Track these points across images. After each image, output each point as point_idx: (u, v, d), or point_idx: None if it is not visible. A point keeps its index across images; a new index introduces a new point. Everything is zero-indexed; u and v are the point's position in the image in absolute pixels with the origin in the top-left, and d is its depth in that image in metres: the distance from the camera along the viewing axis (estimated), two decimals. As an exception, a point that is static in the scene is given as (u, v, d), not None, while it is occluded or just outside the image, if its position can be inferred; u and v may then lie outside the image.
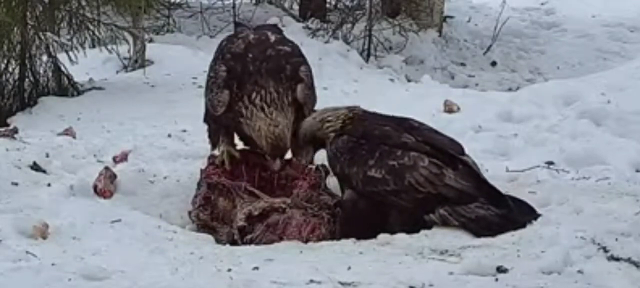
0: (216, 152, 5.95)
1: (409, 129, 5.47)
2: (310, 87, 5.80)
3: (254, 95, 5.62)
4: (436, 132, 5.56)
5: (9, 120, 7.98)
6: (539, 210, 5.31)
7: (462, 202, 5.20)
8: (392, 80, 9.84)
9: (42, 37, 8.51)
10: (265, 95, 5.60)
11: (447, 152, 5.35)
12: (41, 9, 8.57)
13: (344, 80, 9.40)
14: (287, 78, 5.68)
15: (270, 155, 5.66)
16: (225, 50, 5.89)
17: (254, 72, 5.67)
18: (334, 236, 5.45)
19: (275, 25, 6.50)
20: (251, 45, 5.81)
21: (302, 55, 5.91)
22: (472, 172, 5.32)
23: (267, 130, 5.58)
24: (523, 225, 5.10)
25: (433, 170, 5.26)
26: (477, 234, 5.09)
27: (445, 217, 5.19)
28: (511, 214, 5.17)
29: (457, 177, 5.25)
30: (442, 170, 5.26)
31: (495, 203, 5.20)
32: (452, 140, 5.50)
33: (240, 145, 5.98)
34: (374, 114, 5.68)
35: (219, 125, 5.86)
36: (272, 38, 5.90)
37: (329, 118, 5.60)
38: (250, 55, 5.72)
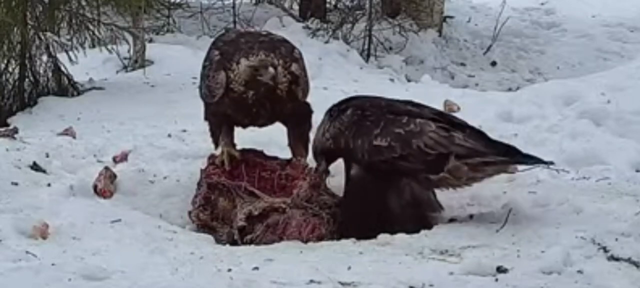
0: (216, 152, 5.95)
1: (413, 104, 5.57)
2: (304, 69, 5.80)
3: (243, 59, 5.61)
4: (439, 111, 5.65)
5: (9, 120, 7.98)
6: (538, 211, 5.32)
7: (473, 157, 5.24)
8: (392, 80, 9.84)
9: (42, 37, 8.50)
10: (252, 56, 5.61)
11: (452, 120, 5.40)
12: (41, 9, 8.56)
13: (344, 80, 9.39)
14: (281, 54, 5.69)
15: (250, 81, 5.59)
16: (217, 41, 6.00)
17: (245, 48, 5.69)
18: (334, 236, 5.45)
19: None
20: (243, 34, 5.94)
21: (294, 46, 5.95)
22: (479, 133, 5.39)
23: (248, 62, 5.59)
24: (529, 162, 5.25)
25: (442, 133, 5.30)
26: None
27: (455, 167, 5.23)
28: (514, 158, 5.27)
29: (466, 137, 5.29)
30: (451, 132, 5.30)
31: (506, 156, 5.28)
32: (455, 117, 5.57)
33: (240, 145, 5.99)
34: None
35: (220, 119, 5.86)
36: (264, 32, 6.04)
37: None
38: (243, 40, 5.79)
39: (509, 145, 5.40)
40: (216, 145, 5.96)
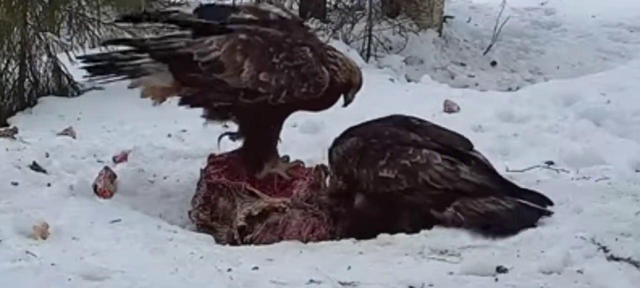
0: (216, 153, 5.96)
1: (413, 128, 5.48)
2: None
3: (329, 51, 5.79)
4: (440, 128, 5.57)
5: (9, 120, 7.97)
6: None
7: (479, 196, 5.19)
8: (392, 80, 9.82)
9: (42, 37, 8.50)
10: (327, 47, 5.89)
11: (457, 149, 5.36)
12: (41, 9, 8.56)
13: (344, 80, 9.37)
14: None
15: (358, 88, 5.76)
16: (290, 35, 5.77)
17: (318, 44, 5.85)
18: (334, 236, 5.45)
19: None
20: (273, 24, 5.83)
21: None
22: (484, 166, 5.33)
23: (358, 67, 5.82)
24: (532, 224, 5.10)
25: (448, 166, 5.26)
26: (487, 228, 5.07)
27: (457, 214, 5.18)
28: (521, 211, 5.17)
29: (472, 171, 5.26)
30: (457, 165, 5.26)
31: (510, 195, 5.21)
32: (459, 136, 5.52)
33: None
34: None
35: (275, 131, 5.80)
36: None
37: None
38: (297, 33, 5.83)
39: (509, 181, 5.36)
40: (267, 159, 5.81)
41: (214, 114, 5.75)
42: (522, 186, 5.40)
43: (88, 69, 5.75)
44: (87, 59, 5.87)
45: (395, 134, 5.44)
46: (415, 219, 5.26)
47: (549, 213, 5.18)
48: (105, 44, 5.87)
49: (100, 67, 5.72)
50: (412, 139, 5.39)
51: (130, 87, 5.72)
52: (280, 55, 5.58)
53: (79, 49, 8.71)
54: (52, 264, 4.59)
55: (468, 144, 5.47)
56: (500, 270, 4.64)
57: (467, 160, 5.32)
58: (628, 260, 4.68)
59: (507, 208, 5.18)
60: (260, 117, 5.67)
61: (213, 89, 5.58)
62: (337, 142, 5.56)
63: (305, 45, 5.67)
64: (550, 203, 5.25)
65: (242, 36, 5.60)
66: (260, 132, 5.78)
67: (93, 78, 5.81)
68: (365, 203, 5.40)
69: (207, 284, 4.52)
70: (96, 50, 8.96)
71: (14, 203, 5.43)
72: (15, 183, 5.72)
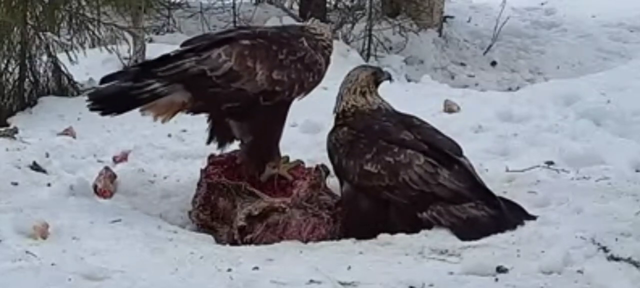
0: (213, 152, 5.95)
1: (410, 126, 5.49)
2: None
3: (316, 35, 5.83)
4: (437, 131, 5.57)
5: (9, 120, 7.97)
6: (538, 211, 5.32)
7: (456, 202, 5.21)
8: (392, 80, 9.83)
9: (42, 37, 8.50)
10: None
11: (444, 152, 5.37)
12: (41, 9, 8.55)
13: (344, 80, 9.36)
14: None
15: None
16: (281, 32, 5.84)
17: (292, 35, 5.84)
18: (334, 236, 5.46)
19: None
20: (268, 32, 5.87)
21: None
22: (467, 174, 5.34)
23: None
24: (513, 227, 5.11)
25: (428, 169, 5.29)
26: (467, 236, 5.08)
27: (436, 217, 5.20)
28: (503, 216, 5.17)
29: (452, 177, 5.28)
30: (437, 169, 5.29)
31: (488, 205, 5.22)
32: (451, 141, 5.52)
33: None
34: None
35: (280, 131, 5.78)
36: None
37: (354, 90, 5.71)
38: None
39: (491, 192, 5.33)
40: (270, 160, 5.78)
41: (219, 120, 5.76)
42: (505, 197, 5.39)
43: (101, 109, 5.60)
44: (95, 99, 5.62)
45: (386, 129, 5.48)
46: (405, 218, 5.27)
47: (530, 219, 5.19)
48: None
49: (115, 102, 5.59)
50: (400, 137, 5.42)
51: (142, 110, 5.62)
52: (283, 51, 5.63)
53: (79, 49, 8.71)
54: (52, 264, 4.59)
55: (458, 150, 5.48)
56: (500, 270, 4.64)
57: (451, 165, 5.33)
58: (628, 260, 4.68)
59: (490, 214, 5.18)
60: (271, 116, 5.68)
61: (232, 98, 5.55)
62: (333, 130, 5.63)
63: (300, 36, 5.75)
64: (528, 216, 5.23)
65: (245, 41, 5.61)
66: (266, 133, 5.77)
67: (111, 115, 5.65)
68: (351, 194, 5.43)
69: (207, 284, 4.52)
70: (96, 50, 8.99)
71: (14, 203, 5.43)
72: (15, 183, 5.72)
